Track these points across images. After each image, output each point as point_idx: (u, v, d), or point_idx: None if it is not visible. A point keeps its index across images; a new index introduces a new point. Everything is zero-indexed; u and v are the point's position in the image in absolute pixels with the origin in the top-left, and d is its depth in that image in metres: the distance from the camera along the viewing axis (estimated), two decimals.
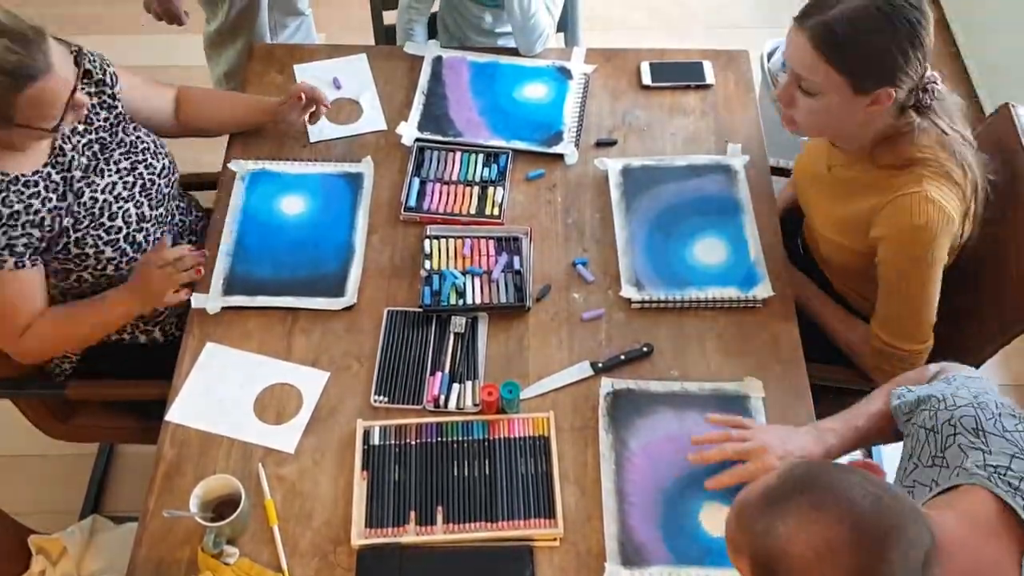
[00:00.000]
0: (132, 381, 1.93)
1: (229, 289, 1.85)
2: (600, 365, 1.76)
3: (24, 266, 1.70)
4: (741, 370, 1.76)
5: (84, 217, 1.78)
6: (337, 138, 2.11)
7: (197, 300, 1.81)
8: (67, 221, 1.75)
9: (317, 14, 2.84)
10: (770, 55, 2.83)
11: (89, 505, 2.44)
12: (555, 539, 1.57)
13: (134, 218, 1.84)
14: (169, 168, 1.94)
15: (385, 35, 2.57)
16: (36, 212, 1.70)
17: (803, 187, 1.93)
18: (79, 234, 1.77)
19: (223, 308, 1.83)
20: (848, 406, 1.59)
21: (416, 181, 2.01)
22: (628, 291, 1.85)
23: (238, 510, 1.51)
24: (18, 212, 1.68)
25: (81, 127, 1.80)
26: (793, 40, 1.61)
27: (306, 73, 2.22)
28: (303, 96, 2.00)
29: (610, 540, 1.56)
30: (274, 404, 1.73)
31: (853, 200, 1.74)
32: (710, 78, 2.21)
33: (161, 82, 2.03)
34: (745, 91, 2.21)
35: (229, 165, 2.03)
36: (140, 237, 1.86)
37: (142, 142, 1.90)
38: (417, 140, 2.09)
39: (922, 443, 1.31)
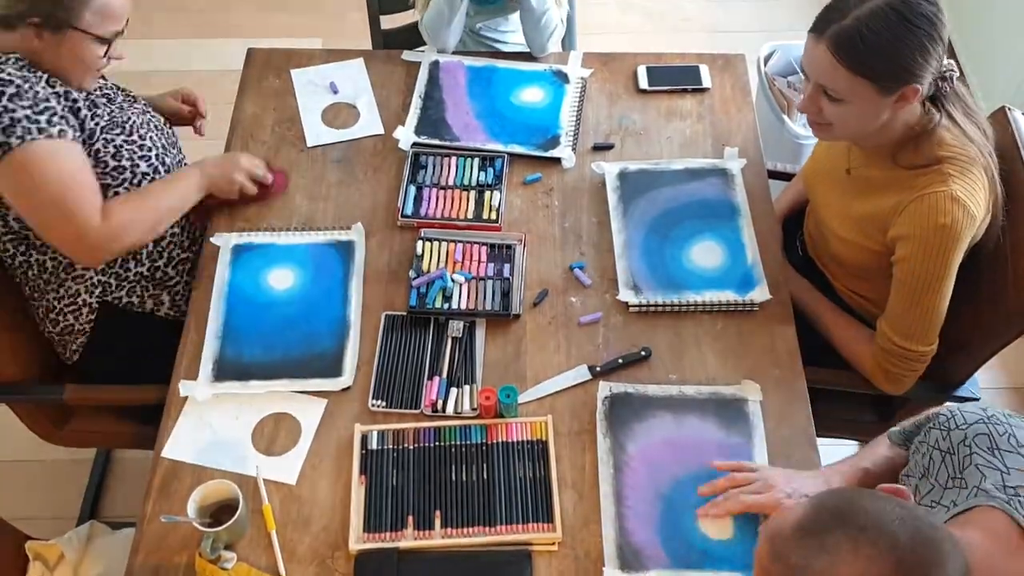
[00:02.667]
0: (130, 386, 1.93)
1: (220, 374, 1.75)
2: (598, 369, 1.76)
3: (67, 136, 1.68)
4: (739, 374, 1.76)
5: (121, 132, 1.81)
6: (334, 143, 2.11)
7: (185, 388, 1.73)
8: (108, 131, 1.79)
9: (314, 20, 2.84)
10: (767, 59, 2.84)
11: (86, 510, 2.43)
12: (553, 543, 1.57)
13: (160, 144, 1.90)
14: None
15: (383, 40, 2.57)
16: (75, 102, 1.74)
17: (816, 186, 1.93)
18: (116, 146, 1.79)
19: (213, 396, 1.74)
20: (844, 410, 1.60)
21: (412, 188, 2.01)
22: (625, 295, 1.85)
23: (236, 515, 1.51)
24: (69, 95, 1.73)
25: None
26: (812, 51, 1.61)
27: (303, 77, 2.22)
28: (198, 103, 2.07)
29: (608, 544, 1.56)
30: (272, 435, 1.70)
31: (872, 198, 1.74)
32: (707, 82, 2.21)
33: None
34: (742, 95, 2.21)
35: (211, 239, 1.93)
36: (168, 160, 1.91)
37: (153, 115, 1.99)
38: (414, 144, 2.09)
39: (937, 465, 1.32)
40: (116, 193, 1.81)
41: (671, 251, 1.92)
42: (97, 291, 1.91)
